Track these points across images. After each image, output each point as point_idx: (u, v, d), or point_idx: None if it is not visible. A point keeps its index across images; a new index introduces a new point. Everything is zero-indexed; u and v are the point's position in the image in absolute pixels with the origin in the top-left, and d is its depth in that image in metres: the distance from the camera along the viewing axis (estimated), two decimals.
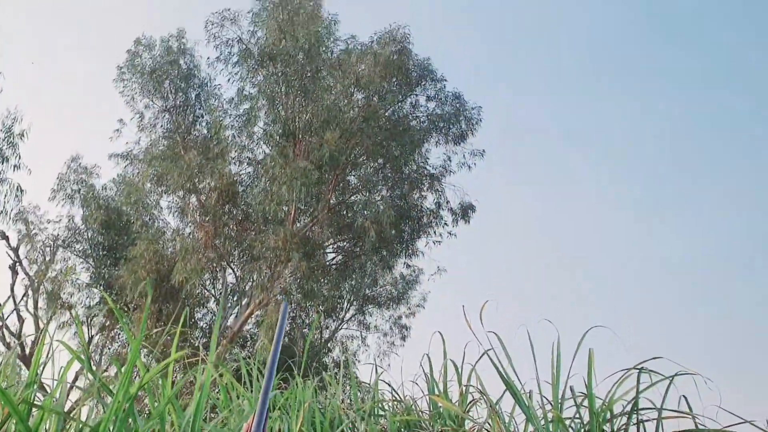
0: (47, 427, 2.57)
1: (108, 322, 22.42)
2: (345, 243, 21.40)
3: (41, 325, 22.57)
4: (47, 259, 23.42)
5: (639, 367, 3.77)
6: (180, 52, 21.93)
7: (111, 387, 2.72)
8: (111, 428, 2.42)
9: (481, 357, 4.24)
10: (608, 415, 3.79)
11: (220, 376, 3.69)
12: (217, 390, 3.97)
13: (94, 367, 3.36)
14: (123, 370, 2.47)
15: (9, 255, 23.03)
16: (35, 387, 2.44)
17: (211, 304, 21.68)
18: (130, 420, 2.56)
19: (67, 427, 2.68)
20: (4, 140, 19.77)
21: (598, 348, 4.05)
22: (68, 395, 2.90)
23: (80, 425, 2.37)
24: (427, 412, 4.55)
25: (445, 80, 20.85)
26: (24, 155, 21.18)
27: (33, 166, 20.88)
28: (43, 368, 2.62)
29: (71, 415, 2.57)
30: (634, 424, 3.72)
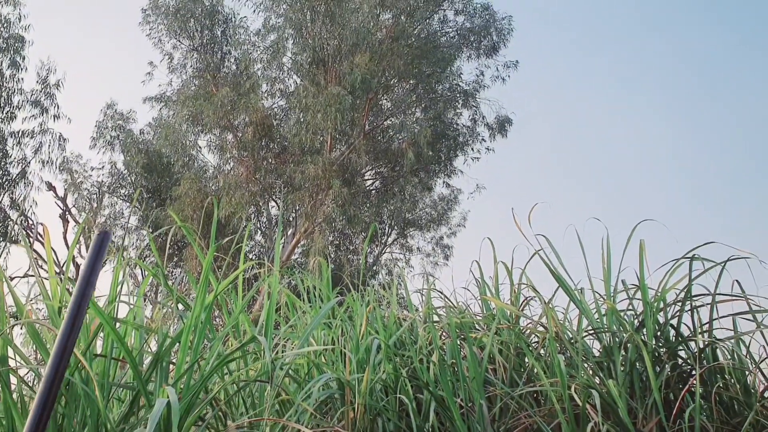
0: (130, 341, 2.76)
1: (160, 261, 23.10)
2: (383, 168, 21.44)
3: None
4: (95, 206, 24.05)
5: (690, 255, 3.79)
6: None
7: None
8: (191, 339, 2.58)
9: (531, 258, 4.30)
10: (661, 304, 3.85)
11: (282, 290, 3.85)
12: (278, 307, 4.14)
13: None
14: (198, 283, 2.61)
15: (58, 205, 23.74)
16: (116, 303, 2.60)
17: (258, 237, 22.16)
18: (207, 330, 2.73)
19: (148, 339, 2.86)
20: (41, 91, 20.06)
21: (649, 242, 4.05)
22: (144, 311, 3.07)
23: (163, 337, 2.53)
24: (480, 315, 4.68)
25: None
26: (62, 105, 21.52)
27: (71, 115, 21.22)
28: (121, 287, 2.77)
29: (152, 327, 2.74)
30: (687, 311, 3.77)
